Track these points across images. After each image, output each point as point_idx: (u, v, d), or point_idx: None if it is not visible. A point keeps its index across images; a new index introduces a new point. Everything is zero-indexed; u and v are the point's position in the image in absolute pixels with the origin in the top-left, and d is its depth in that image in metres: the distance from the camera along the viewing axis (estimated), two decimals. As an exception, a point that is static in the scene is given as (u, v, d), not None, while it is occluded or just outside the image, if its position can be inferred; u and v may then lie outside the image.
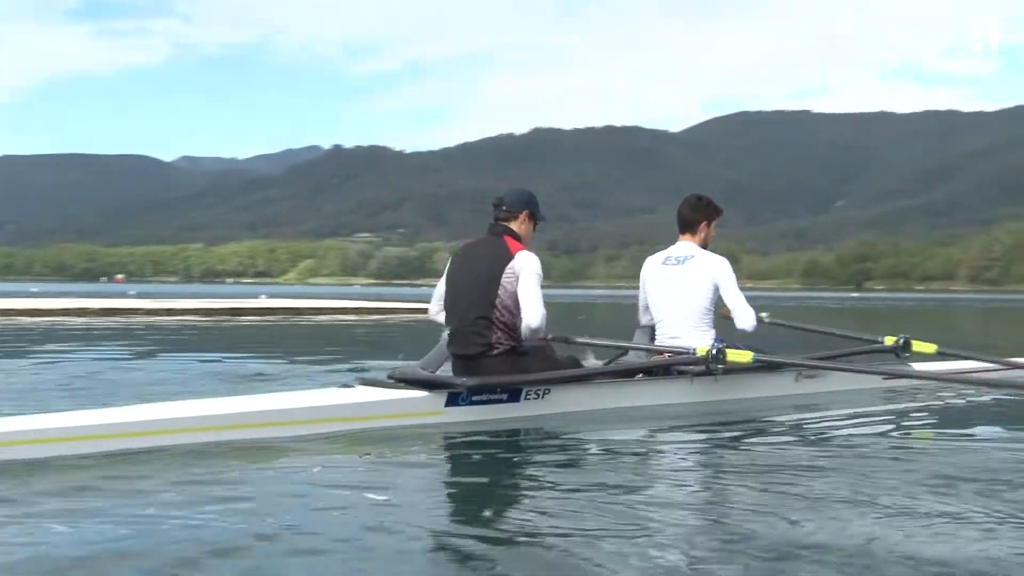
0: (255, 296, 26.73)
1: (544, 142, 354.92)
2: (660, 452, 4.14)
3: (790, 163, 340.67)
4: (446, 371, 4.60)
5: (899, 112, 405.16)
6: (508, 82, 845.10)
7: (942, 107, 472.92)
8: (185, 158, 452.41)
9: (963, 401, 5.56)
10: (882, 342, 5.73)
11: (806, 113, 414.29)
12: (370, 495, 2.96)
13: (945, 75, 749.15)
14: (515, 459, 3.88)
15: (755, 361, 4.70)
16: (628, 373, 4.95)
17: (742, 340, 5.10)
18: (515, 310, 4.45)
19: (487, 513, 2.80)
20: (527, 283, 4.45)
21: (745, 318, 5.12)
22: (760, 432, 4.47)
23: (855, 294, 66.27)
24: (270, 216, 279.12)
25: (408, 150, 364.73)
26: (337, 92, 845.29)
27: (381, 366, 6.31)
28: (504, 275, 4.45)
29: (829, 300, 42.66)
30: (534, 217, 4.84)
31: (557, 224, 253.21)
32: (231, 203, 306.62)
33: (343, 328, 15.57)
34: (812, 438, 4.35)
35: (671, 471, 3.65)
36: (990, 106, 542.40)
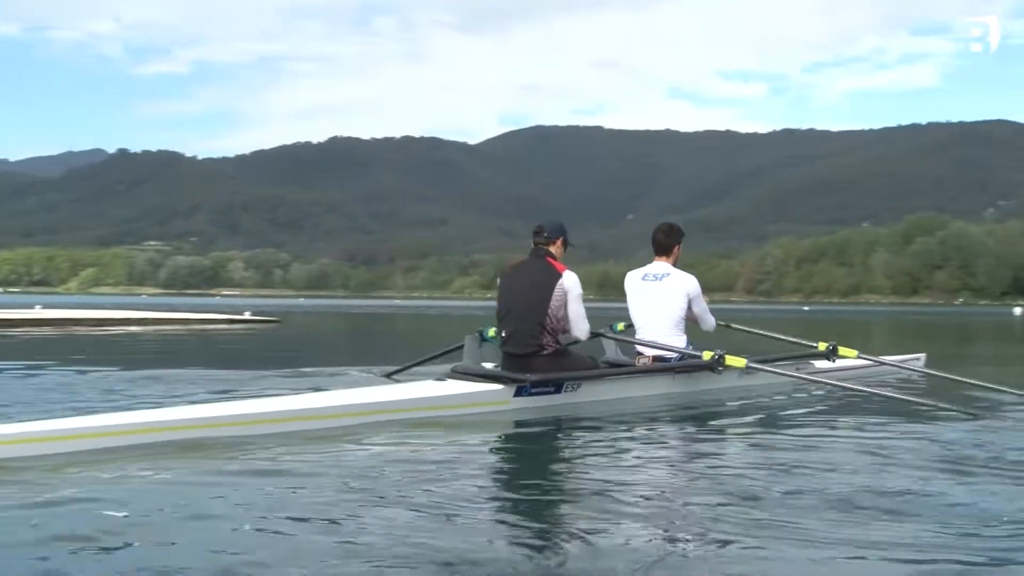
0: (29, 307, 24.84)
1: (342, 151, 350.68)
2: (660, 424, 5.34)
3: (583, 177, 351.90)
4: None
5: (682, 131, 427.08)
6: (303, 89, 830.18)
7: (720, 127, 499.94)
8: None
9: (884, 393, 6.36)
10: (816, 347, 7.11)
11: (598, 129, 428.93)
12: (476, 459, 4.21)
13: (722, 97, 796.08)
14: (561, 437, 4.93)
15: (748, 366, 6.04)
16: (633, 372, 6.15)
17: (704, 340, 6.38)
18: (561, 318, 5.59)
19: (551, 475, 3.90)
20: (575, 302, 5.65)
21: (709, 324, 6.47)
22: (716, 414, 5.90)
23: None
24: (48, 222, 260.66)
25: (200, 156, 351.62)
26: (120, 93, 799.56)
27: (153, 375, 6.75)
28: (555, 289, 5.56)
29: (621, 311, 44.46)
30: (566, 242, 6.10)
31: (354, 234, 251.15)
32: (1, 207, 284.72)
33: (129, 339, 14.72)
34: (759, 416, 5.73)
35: (668, 438, 4.91)
36: (763, 128, 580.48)
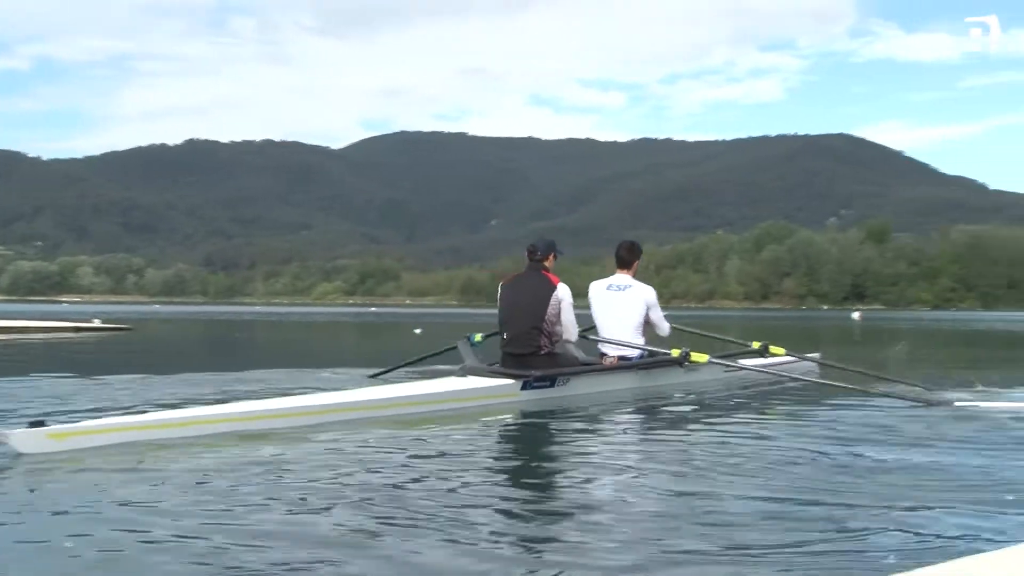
0: None
1: (200, 154, 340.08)
2: (633, 411, 6.50)
3: (447, 183, 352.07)
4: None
5: (544, 138, 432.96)
6: (158, 89, 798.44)
7: (581, 135, 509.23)
8: None
9: (800, 385, 7.69)
10: (751, 346, 8.21)
11: (461, 135, 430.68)
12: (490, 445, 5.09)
13: (582, 105, 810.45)
14: (559, 423, 5.73)
15: (710, 361, 7.03)
16: (624, 368, 7.08)
17: (659, 341, 7.39)
18: (555, 323, 6.53)
19: (555, 452, 4.88)
20: (567, 310, 6.58)
21: (664, 329, 7.38)
22: (680, 401, 6.93)
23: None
24: None
25: (46, 156, 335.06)
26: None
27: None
28: (551, 299, 6.50)
29: (486, 316, 44.64)
30: (556, 255, 6.96)
31: (213, 239, 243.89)
32: None
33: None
34: (714, 402, 6.97)
35: (637, 422, 6.07)
36: (622, 136, 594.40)
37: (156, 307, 75.47)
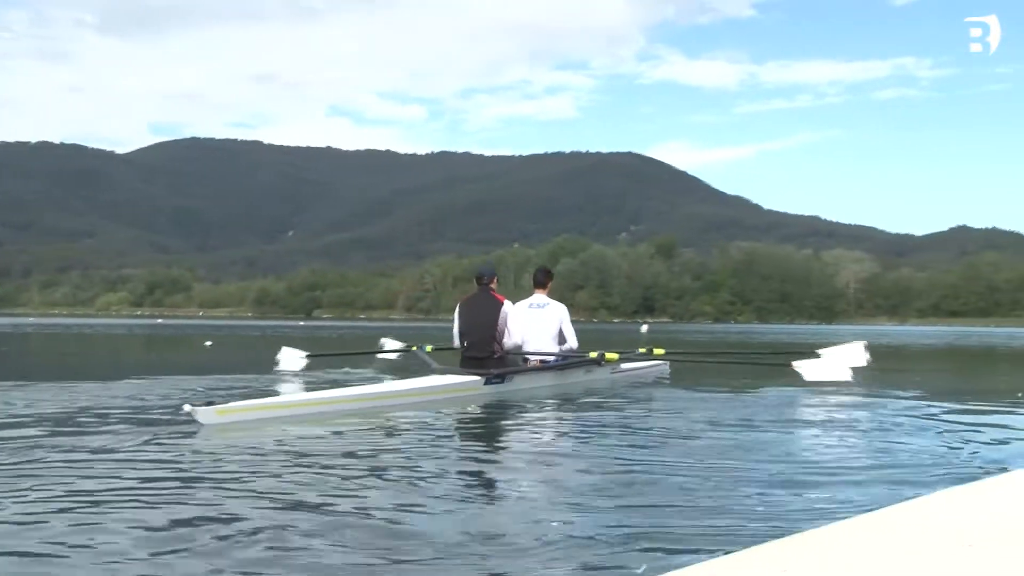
0: None
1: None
2: (566, 400, 8.00)
3: (242, 191, 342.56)
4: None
5: (343, 148, 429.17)
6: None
7: (380, 147, 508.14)
8: None
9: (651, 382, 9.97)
10: (639, 351, 10.28)
11: (258, 143, 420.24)
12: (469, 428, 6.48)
13: (381, 117, 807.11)
14: (510, 410, 7.22)
15: (620, 358, 9.09)
16: (555, 368, 8.72)
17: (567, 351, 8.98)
18: (503, 332, 8.19)
19: (508, 434, 6.17)
20: (512, 321, 8.27)
21: (573, 340, 8.92)
22: (597, 392, 8.72)
23: (301, 323, 68.50)
24: None
25: None
26: None
27: None
28: (500, 313, 8.20)
29: (281, 328, 43.64)
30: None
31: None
32: None
33: None
34: (623, 393, 8.76)
35: (561, 407, 7.65)
36: (421, 149, 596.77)
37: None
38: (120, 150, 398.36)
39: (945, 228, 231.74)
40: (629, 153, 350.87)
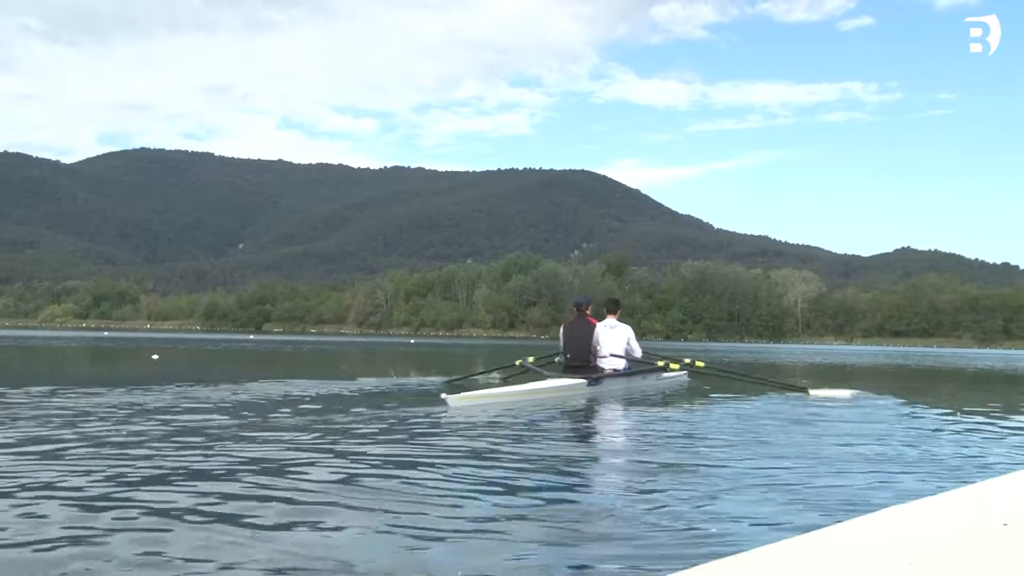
0: None
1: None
2: (635, 397, 10.32)
3: (191, 204, 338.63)
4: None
5: (295, 162, 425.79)
6: None
7: (333, 160, 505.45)
8: None
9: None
10: (655, 363, 11.95)
11: (208, 155, 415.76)
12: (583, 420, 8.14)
13: (334, 130, 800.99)
14: (605, 404, 9.45)
15: (682, 367, 11.85)
16: (631, 373, 11.31)
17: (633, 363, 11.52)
18: (596, 347, 10.93)
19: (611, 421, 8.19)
20: (604, 340, 11.07)
21: (637, 353, 11.53)
22: (663, 394, 11.15)
23: (251, 336, 67.69)
24: None
25: None
26: None
27: None
28: (593, 334, 10.96)
29: (229, 342, 43.09)
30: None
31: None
32: None
33: None
34: (687, 395, 11.20)
35: (642, 402, 9.87)
36: (374, 163, 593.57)
37: None
38: (67, 159, 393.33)
39: (891, 249, 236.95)
40: (582, 171, 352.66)
